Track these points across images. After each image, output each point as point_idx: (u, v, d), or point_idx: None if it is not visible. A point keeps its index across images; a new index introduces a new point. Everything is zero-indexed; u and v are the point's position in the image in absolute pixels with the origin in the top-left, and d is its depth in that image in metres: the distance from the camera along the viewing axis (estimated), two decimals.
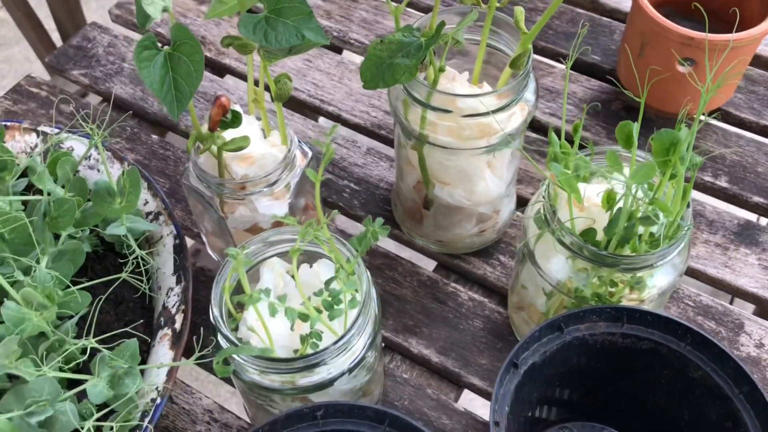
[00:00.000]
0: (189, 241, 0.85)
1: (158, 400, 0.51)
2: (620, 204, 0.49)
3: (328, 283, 0.49)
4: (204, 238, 0.69)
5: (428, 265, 0.71)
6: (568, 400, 0.58)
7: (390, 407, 0.62)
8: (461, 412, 0.62)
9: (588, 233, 0.52)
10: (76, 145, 0.66)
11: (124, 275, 0.53)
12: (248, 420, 0.62)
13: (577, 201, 0.49)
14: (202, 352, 0.49)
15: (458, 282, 0.70)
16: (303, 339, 0.50)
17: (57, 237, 0.58)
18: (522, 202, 0.74)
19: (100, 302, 0.52)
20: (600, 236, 0.52)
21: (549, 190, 0.53)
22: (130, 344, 0.49)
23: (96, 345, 0.49)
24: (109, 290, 0.54)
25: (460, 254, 0.70)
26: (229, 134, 0.52)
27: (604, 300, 0.54)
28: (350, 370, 0.50)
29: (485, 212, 0.66)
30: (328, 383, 0.49)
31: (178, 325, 0.55)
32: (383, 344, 0.67)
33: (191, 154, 0.57)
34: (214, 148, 0.53)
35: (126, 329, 0.53)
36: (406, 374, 0.65)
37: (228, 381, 0.59)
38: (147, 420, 0.50)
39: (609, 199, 0.49)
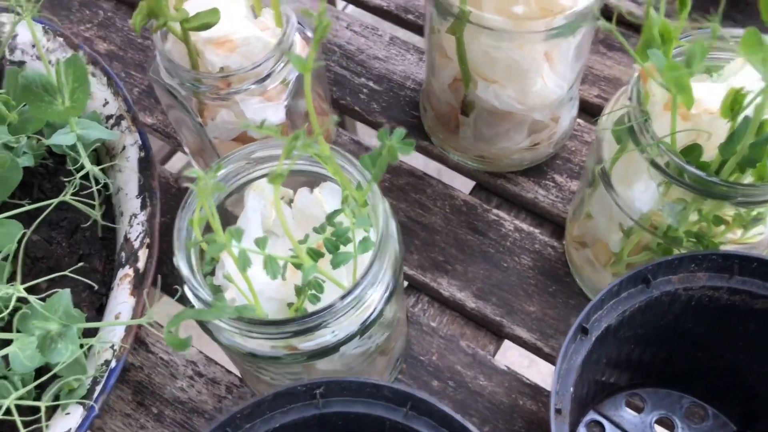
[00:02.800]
0: (181, 157, 0.72)
1: (113, 364, 0.40)
2: (748, 111, 0.34)
3: (331, 217, 0.36)
4: (187, 153, 0.56)
5: (464, 186, 0.58)
6: (642, 362, 0.46)
7: (412, 373, 0.50)
8: (502, 371, 0.50)
9: (692, 151, 0.38)
10: (23, 33, 0.52)
11: (65, 197, 0.40)
12: (239, 374, 0.51)
13: (686, 105, 0.35)
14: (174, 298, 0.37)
15: (501, 208, 0.56)
16: (299, 291, 0.37)
17: None
18: (585, 108, 0.59)
19: (32, 230, 0.39)
20: (709, 156, 0.37)
21: (639, 89, 0.38)
22: (62, 297, 0.36)
23: (24, 293, 0.37)
24: (44, 214, 0.41)
25: (504, 173, 0.57)
26: (192, 7, 0.38)
27: (704, 243, 0.40)
28: (362, 332, 0.37)
29: (540, 119, 0.52)
30: (332, 349, 0.37)
31: (141, 264, 0.43)
32: (406, 283, 0.54)
33: (154, 38, 0.42)
34: (176, 27, 0.38)
35: (78, 266, 0.41)
36: (434, 322, 0.52)
37: None
38: (98, 390, 0.39)
39: (735, 102, 0.34)
